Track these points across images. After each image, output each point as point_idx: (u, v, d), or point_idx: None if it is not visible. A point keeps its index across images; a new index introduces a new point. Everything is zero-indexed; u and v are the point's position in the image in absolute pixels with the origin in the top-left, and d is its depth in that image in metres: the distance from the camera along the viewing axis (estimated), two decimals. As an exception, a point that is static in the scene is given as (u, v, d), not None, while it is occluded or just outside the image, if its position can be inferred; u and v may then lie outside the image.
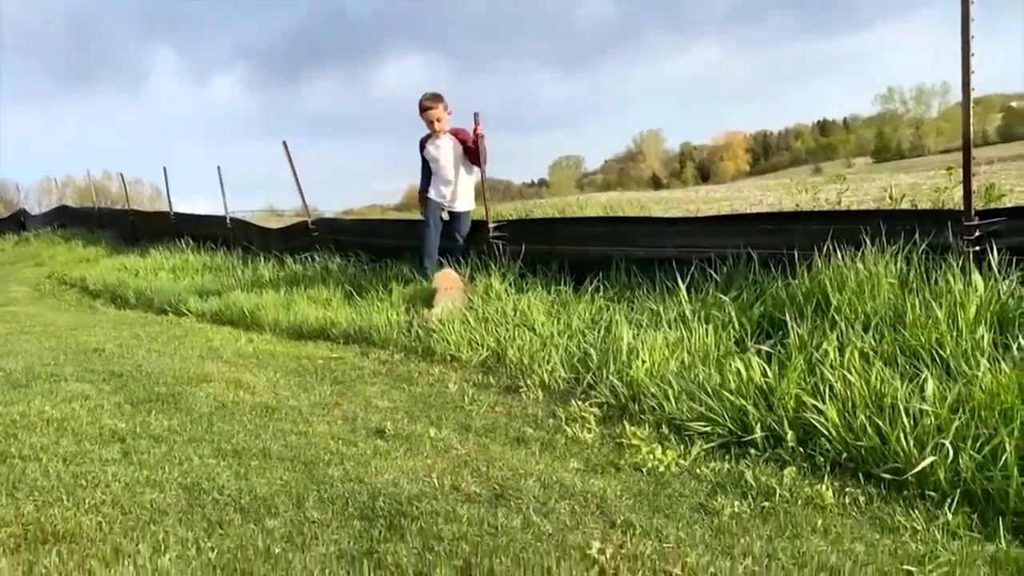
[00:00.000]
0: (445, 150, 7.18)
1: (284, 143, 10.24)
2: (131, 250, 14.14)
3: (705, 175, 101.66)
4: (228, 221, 12.54)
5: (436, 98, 7.13)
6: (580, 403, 3.91)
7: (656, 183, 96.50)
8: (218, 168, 12.63)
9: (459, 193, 7.27)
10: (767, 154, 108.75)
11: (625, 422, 3.61)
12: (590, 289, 5.83)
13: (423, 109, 7.06)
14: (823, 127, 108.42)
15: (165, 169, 14.85)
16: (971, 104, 4.14)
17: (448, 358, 5.15)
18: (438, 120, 7.04)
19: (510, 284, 6.63)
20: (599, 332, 4.85)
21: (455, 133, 7.23)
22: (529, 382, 4.38)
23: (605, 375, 4.13)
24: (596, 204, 15.34)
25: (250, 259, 10.72)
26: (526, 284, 6.45)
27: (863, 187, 9.40)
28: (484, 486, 2.98)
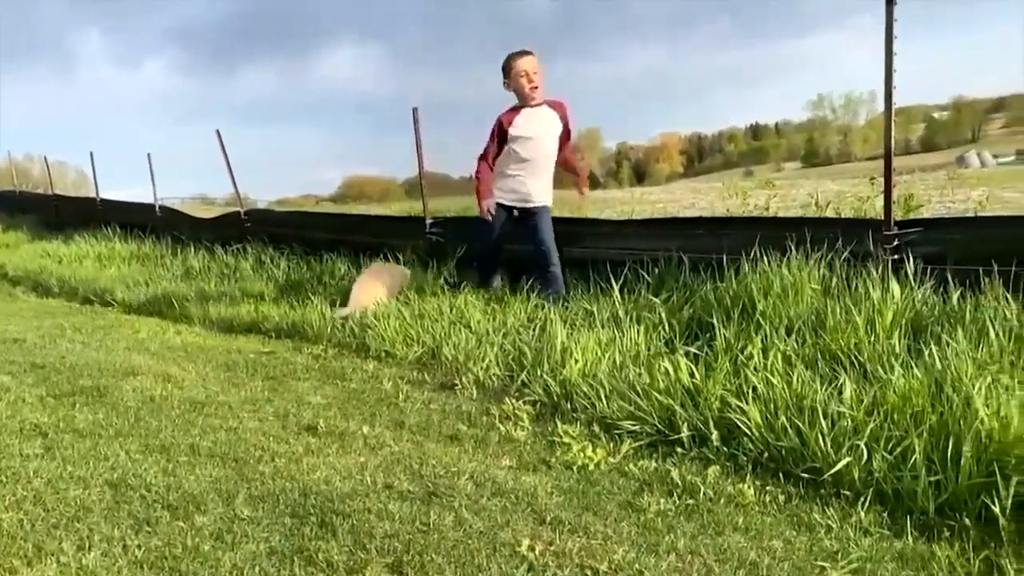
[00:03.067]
0: (545, 125, 5.48)
1: (217, 132, 10.06)
2: (54, 236, 13.65)
3: (640, 175, 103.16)
4: (157, 209, 12.23)
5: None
6: (514, 401, 3.95)
7: (593, 182, 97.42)
8: (148, 155, 12.33)
9: (545, 185, 5.70)
10: (701, 156, 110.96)
11: (557, 420, 3.67)
12: (526, 288, 5.88)
13: (515, 67, 5.31)
14: (755, 131, 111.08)
15: (92, 154, 14.41)
16: (892, 119, 4.32)
17: (383, 354, 5.14)
18: (536, 81, 5.33)
19: (446, 281, 6.65)
20: (534, 331, 4.91)
21: (552, 106, 5.55)
22: (464, 380, 4.41)
23: (539, 374, 4.18)
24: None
25: (180, 249, 10.48)
26: (463, 281, 6.47)
27: (791, 193, 9.70)
28: (417, 484, 3.00)
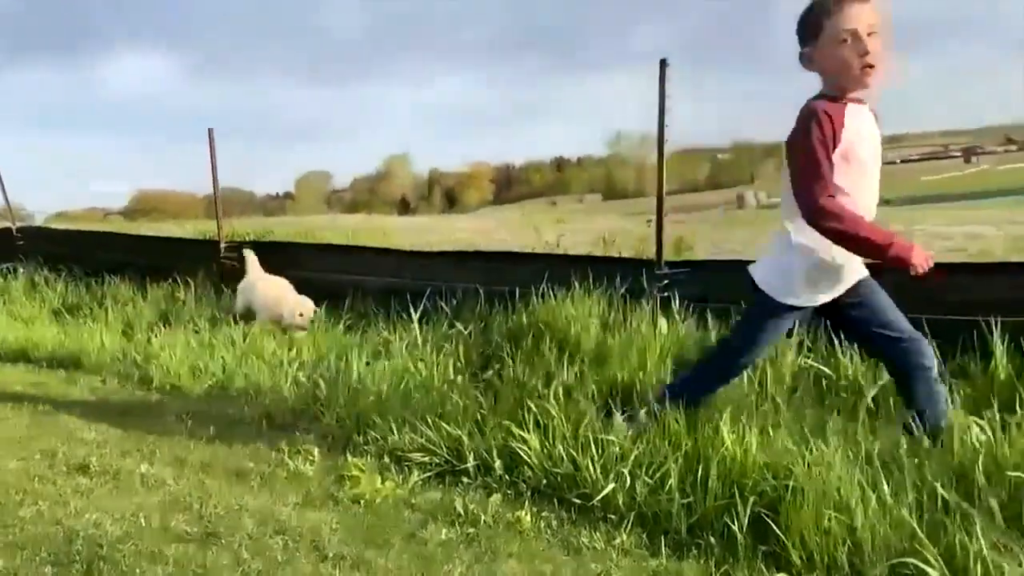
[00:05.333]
0: (876, 135, 2.95)
1: (-14, 140, 9.17)
2: None
3: (452, 201, 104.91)
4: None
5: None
6: (305, 435, 3.93)
7: (405, 206, 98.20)
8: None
9: None
10: (509, 185, 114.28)
11: (348, 453, 3.68)
12: (326, 317, 5.85)
13: (839, 21, 2.78)
14: (560, 164, 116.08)
15: None
16: (664, 171, 4.75)
17: (168, 387, 4.90)
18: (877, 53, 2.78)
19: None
20: (330, 361, 4.89)
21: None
22: (254, 413, 4.32)
23: (332, 406, 4.17)
24: (342, 228, 15.31)
25: (-64, 267, 9.42)
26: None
27: (584, 227, 10.30)
28: (196, 524, 2.92)
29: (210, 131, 7.12)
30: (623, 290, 4.72)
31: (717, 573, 2.56)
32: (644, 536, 2.83)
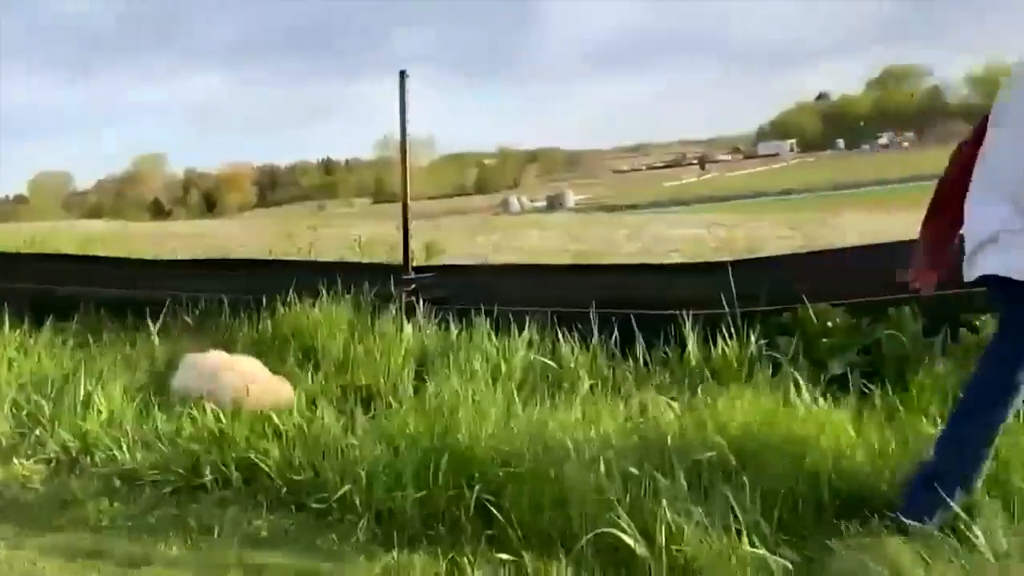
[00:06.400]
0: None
1: None
2: None
3: (211, 204, 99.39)
4: None
5: None
6: (25, 462, 3.66)
7: (159, 209, 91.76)
8: None
9: None
10: (274, 187, 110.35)
11: (74, 477, 3.48)
12: (52, 332, 5.41)
13: None
14: (328, 166, 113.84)
15: None
16: (408, 179, 4.93)
17: None
18: None
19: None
20: (56, 381, 4.54)
21: None
22: (-37, 441, 3.93)
23: (57, 428, 3.90)
24: (79, 235, 14.12)
25: None
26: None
27: (343, 233, 10.29)
28: None
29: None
30: (372, 295, 4.81)
31: (445, 560, 2.72)
32: (379, 533, 2.94)
